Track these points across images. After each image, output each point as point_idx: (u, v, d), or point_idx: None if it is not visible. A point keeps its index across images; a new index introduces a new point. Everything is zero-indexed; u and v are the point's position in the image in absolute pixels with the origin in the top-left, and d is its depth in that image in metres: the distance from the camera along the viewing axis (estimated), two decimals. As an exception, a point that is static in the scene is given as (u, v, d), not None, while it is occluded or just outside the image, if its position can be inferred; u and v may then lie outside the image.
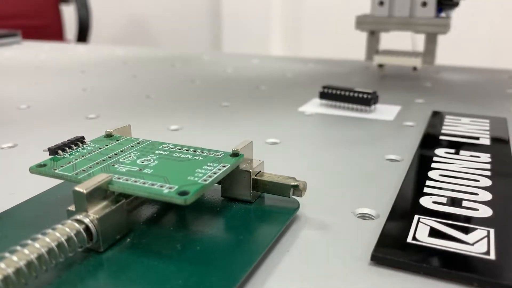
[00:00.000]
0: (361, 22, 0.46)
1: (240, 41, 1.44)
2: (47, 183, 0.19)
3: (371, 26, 0.45)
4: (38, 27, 1.32)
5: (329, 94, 0.35)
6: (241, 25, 1.45)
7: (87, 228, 0.14)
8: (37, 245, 0.13)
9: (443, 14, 0.44)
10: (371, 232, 0.17)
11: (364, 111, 0.34)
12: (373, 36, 0.46)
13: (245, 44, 1.42)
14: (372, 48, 0.46)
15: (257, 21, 1.42)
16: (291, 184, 0.17)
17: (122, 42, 1.60)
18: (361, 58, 0.56)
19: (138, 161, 0.17)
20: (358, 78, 0.48)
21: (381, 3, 0.44)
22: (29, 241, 0.13)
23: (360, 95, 0.34)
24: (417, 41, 0.94)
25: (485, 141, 0.26)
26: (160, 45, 1.60)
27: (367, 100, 0.33)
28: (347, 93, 0.34)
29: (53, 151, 0.18)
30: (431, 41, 0.44)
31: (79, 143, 0.19)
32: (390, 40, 0.56)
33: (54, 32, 1.38)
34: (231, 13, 1.47)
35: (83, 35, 1.32)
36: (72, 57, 0.64)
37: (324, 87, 0.35)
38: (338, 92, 0.34)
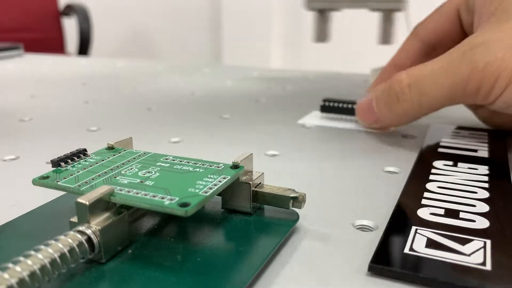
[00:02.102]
0: (311, 0, 0.43)
1: (241, 54, 1.45)
2: (49, 194, 0.19)
3: (321, 4, 0.42)
4: (40, 40, 1.33)
5: (330, 107, 0.35)
6: (242, 38, 1.46)
7: (89, 239, 0.14)
8: (40, 255, 0.13)
9: None
10: (370, 243, 0.17)
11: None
12: (322, 15, 0.43)
13: (246, 56, 1.43)
14: (321, 29, 0.43)
15: (258, 34, 1.43)
16: (291, 195, 0.18)
17: (123, 55, 1.61)
18: (361, 71, 0.57)
19: (139, 173, 0.18)
20: (356, 91, 0.48)
21: None
22: (32, 252, 0.13)
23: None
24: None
25: (483, 153, 0.27)
26: (161, 58, 1.61)
27: None
28: (349, 106, 0.34)
29: (55, 163, 0.18)
30: (386, 19, 0.42)
31: (82, 155, 0.19)
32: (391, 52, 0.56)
33: (55, 45, 1.39)
34: (232, 26, 1.48)
35: (84, 48, 1.33)
36: (73, 70, 0.65)
37: (324, 100, 0.35)
38: (340, 105, 0.35)
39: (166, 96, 0.46)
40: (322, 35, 0.43)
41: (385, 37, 0.42)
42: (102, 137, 0.32)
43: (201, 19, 1.55)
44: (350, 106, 0.34)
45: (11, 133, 0.33)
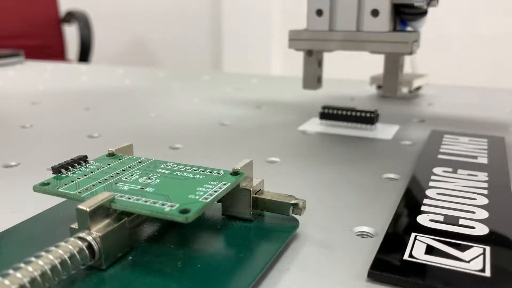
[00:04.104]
0: (295, 39, 0.34)
1: (240, 61, 1.45)
2: (50, 201, 0.19)
3: (309, 44, 0.34)
4: (41, 47, 1.33)
5: (330, 115, 0.35)
6: (242, 45, 1.46)
7: (89, 246, 0.14)
8: (40, 262, 0.13)
9: (409, 28, 0.34)
10: (370, 250, 0.17)
11: (365, 129, 0.34)
12: (311, 57, 0.35)
13: (245, 63, 1.43)
14: (311, 73, 0.35)
15: (258, 41, 1.44)
16: (291, 202, 0.18)
17: (124, 62, 1.62)
18: (359, 78, 0.57)
19: (140, 180, 0.18)
20: (356, 98, 0.49)
21: (319, 12, 0.33)
22: (33, 259, 0.13)
23: (363, 114, 0.34)
24: (417, 62, 0.95)
25: (483, 160, 0.27)
26: (161, 65, 1.62)
27: (371, 119, 0.34)
28: (349, 113, 0.34)
29: (56, 169, 0.18)
30: (391, 63, 0.33)
31: (82, 162, 0.19)
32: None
33: (56, 52, 1.40)
34: (232, 33, 1.48)
35: (85, 55, 1.34)
36: (74, 77, 0.65)
37: (324, 108, 0.35)
38: (340, 112, 0.35)
39: (166, 103, 0.46)
40: (311, 80, 0.35)
41: (391, 87, 0.33)
42: (102, 143, 0.32)
43: (201, 27, 1.56)
44: (349, 113, 0.34)
45: (12, 139, 0.33)
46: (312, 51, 0.34)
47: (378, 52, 0.32)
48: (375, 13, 0.31)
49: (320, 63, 0.35)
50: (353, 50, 0.32)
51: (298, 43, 0.34)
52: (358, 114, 0.34)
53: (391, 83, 0.33)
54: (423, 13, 0.31)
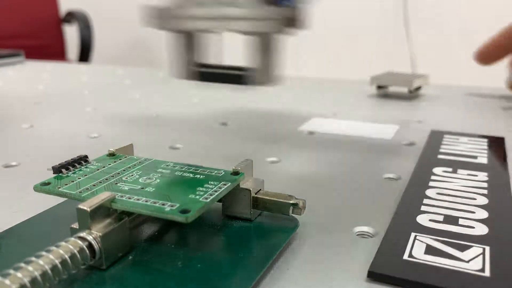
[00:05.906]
0: (153, 16, 0.26)
1: (240, 61, 1.45)
2: (50, 201, 0.20)
3: (167, 23, 0.26)
4: (41, 47, 1.33)
5: (209, 75, 0.28)
6: (241, 45, 1.47)
7: (90, 246, 0.14)
8: (41, 262, 0.13)
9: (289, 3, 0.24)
10: (370, 250, 0.17)
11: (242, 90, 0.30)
12: (190, 39, 0.27)
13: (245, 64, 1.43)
14: (186, 58, 0.28)
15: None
16: (291, 202, 0.18)
17: (123, 62, 1.62)
18: (359, 78, 0.57)
19: (140, 180, 0.18)
20: (355, 98, 0.49)
21: None
22: (33, 258, 0.13)
23: (231, 72, 0.27)
24: (417, 62, 0.95)
25: (483, 160, 0.27)
26: (161, 65, 1.62)
27: (241, 78, 0.27)
28: (217, 70, 0.27)
29: (57, 169, 0.18)
30: (263, 46, 0.26)
31: (83, 162, 0.19)
32: (391, 63, 0.56)
33: (56, 52, 1.40)
34: (232, 33, 1.48)
35: (85, 55, 1.34)
36: (74, 77, 0.65)
37: (199, 65, 0.28)
38: (220, 70, 0.28)
39: (166, 103, 0.46)
40: (189, 66, 0.28)
41: (263, 72, 0.26)
42: (102, 143, 0.32)
43: (201, 26, 1.56)
44: (222, 70, 0.28)
45: (12, 140, 0.33)
46: (184, 32, 0.27)
47: (242, 32, 0.26)
48: None
49: (196, 47, 0.28)
50: (219, 31, 0.26)
51: (158, 22, 0.27)
52: (227, 71, 0.27)
53: (262, 68, 0.26)
54: None
